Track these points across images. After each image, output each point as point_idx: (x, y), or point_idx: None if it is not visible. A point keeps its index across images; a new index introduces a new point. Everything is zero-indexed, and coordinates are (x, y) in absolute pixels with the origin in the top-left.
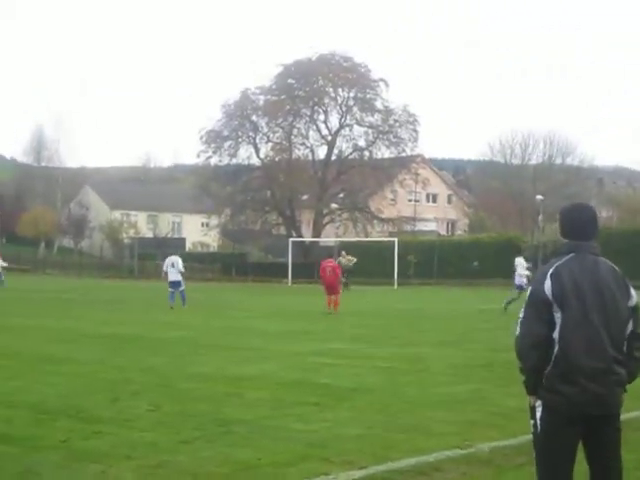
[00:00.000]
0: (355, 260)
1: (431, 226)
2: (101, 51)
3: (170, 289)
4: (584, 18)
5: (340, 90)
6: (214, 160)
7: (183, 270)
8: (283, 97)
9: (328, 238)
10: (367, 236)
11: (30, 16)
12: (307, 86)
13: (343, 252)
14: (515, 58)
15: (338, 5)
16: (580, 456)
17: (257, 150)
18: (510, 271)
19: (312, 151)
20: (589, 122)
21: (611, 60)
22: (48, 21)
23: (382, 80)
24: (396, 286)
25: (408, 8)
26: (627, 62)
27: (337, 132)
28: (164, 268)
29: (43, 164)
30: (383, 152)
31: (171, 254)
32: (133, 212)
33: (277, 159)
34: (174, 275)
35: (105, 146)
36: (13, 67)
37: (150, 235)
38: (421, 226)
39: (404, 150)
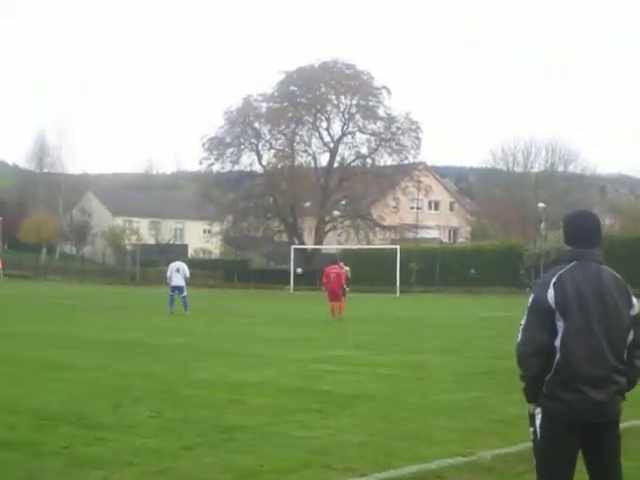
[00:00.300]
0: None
1: (433, 234)
2: (102, 58)
3: (170, 293)
4: (584, 18)
5: (342, 97)
6: (216, 167)
7: (189, 276)
8: (285, 104)
9: (330, 245)
10: (369, 243)
11: (30, 16)
12: (309, 93)
13: (341, 263)
14: (515, 59)
15: (339, 11)
16: (580, 464)
17: (259, 157)
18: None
19: (314, 158)
20: (589, 123)
21: (611, 60)
22: (48, 21)
23: (384, 88)
24: (398, 294)
25: (408, 16)
26: (627, 62)
27: (339, 139)
28: (168, 273)
29: (45, 170)
30: (385, 159)
31: (175, 259)
32: (135, 219)
33: (279, 166)
34: (179, 280)
35: (107, 153)
36: (13, 68)
37: (152, 242)
38: (423, 233)
39: (406, 157)
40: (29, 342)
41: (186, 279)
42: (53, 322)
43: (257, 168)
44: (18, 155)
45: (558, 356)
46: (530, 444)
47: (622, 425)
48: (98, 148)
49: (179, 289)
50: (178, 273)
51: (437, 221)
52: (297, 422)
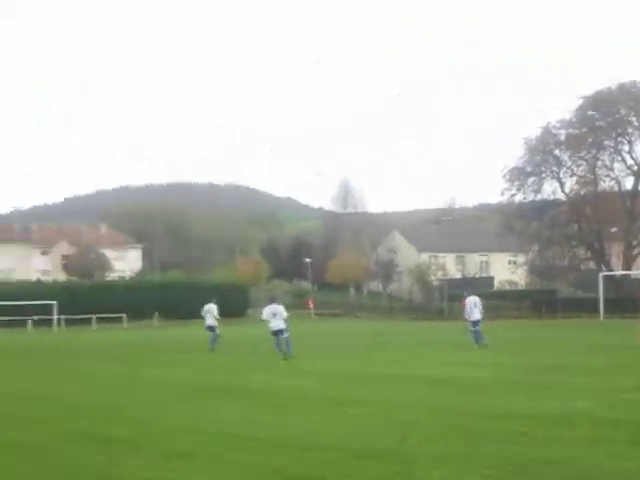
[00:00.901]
0: None
1: None
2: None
3: (472, 329)
4: None
5: None
6: (518, 197)
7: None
8: (584, 130)
9: None
10: None
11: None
12: (609, 117)
13: None
14: None
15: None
16: None
17: (561, 184)
18: None
19: (618, 182)
20: None
21: None
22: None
23: None
24: None
25: None
26: None
27: None
28: (467, 308)
29: (349, 211)
30: None
31: (470, 294)
32: (441, 254)
33: (582, 192)
34: (477, 314)
35: (409, 190)
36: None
37: (458, 276)
38: None
39: None
40: (328, 379)
41: (481, 312)
42: (362, 358)
43: (559, 196)
44: (323, 198)
45: None
46: None
47: None
48: (398, 186)
49: (477, 323)
50: (476, 308)
51: None
52: (612, 454)
